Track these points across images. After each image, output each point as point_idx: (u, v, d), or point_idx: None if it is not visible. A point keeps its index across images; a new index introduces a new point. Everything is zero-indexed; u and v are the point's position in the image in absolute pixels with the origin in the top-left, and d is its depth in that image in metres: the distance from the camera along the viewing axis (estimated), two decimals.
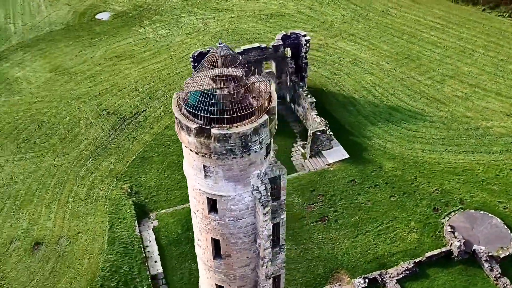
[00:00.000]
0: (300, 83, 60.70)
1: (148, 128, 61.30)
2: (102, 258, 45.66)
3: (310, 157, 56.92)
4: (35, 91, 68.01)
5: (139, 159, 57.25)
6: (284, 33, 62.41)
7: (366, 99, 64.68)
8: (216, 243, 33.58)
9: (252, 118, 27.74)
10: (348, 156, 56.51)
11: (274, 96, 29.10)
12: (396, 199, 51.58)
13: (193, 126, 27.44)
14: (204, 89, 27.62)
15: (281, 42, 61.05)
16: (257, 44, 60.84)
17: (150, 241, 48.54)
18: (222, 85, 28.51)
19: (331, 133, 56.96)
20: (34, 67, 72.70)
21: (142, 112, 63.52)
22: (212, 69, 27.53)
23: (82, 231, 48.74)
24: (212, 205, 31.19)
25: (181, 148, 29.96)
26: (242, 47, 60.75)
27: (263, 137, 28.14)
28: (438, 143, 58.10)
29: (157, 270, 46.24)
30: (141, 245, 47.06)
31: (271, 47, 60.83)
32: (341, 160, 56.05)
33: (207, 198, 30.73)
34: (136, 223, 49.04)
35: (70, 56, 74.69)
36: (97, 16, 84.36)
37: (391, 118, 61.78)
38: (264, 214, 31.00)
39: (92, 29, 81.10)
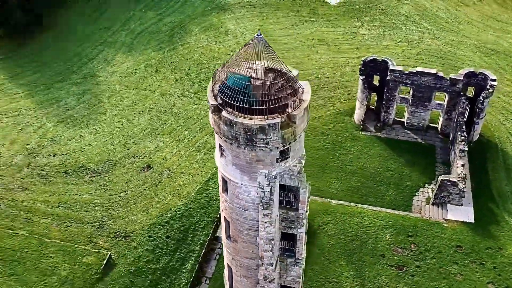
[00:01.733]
0: (463, 127, 54.79)
1: None
2: (183, 200, 49.79)
3: (433, 204, 51.96)
4: (234, 45, 74.36)
5: None
6: (472, 70, 56.66)
7: None
8: (228, 225, 34.40)
9: (266, 116, 27.52)
10: (472, 221, 50.03)
11: (303, 105, 28.19)
12: None
13: (212, 102, 28.55)
14: (237, 75, 28.27)
15: (461, 78, 55.66)
16: (434, 71, 56.57)
17: None
18: (264, 77, 28.81)
19: (465, 189, 50.84)
20: (247, 25, 79.04)
21: None
22: (249, 60, 28.09)
23: (186, 172, 53.43)
24: (226, 186, 32.01)
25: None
26: (418, 68, 57.22)
27: (271, 139, 27.74)
28: None
29: None
30: None
31: (448, 78, 55.97)
32: (462, 222, 49.97)
33: (221, 177, 31.70)
34: None
35: (280, 26, 79.11)
36: None
37: None
38: (264, 215, 30.73)
39: (315, 8, 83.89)
